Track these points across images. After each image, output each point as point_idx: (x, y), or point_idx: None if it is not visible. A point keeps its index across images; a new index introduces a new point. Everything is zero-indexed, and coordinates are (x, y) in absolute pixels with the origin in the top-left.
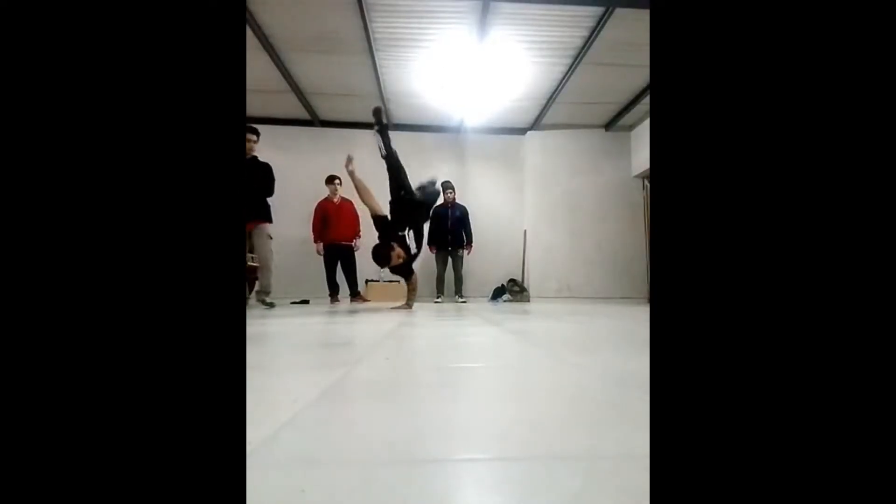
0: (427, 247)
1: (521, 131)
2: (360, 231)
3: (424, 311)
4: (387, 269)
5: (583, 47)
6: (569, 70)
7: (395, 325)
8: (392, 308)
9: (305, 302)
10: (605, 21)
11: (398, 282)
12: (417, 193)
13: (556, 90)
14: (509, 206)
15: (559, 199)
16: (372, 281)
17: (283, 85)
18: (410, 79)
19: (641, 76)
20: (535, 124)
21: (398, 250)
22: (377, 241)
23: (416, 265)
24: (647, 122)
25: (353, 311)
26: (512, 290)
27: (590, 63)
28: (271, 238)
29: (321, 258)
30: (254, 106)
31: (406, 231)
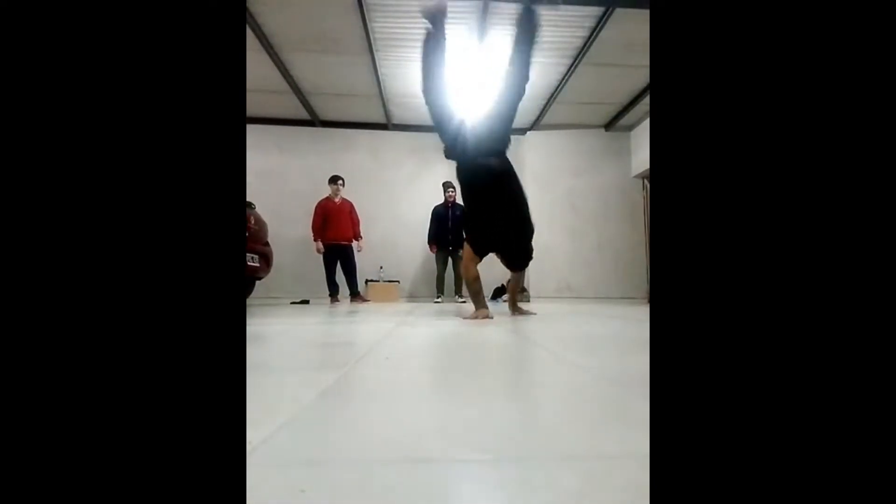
0: (427, 246)
1: (521, 131)
2: (360, 232)
3: (424, 312)
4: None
5: (583, 47)
6: (569, 70)
7: (395, 325)
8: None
9: (305, 302)
10: (605, 21)
11: (398, 282)
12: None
13: (556, 90)
14: None
15: (559, 199)
16: (372, 281)
17: (283, 85)
18: (410, 79)
19: (641, 76)
20: (535, 124)
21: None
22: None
23: (416, 265)
24: (647, 122)
25: (353, 312)
26: None
27: (590, 63)
28: None
29: (321, 259)
30: (254, 106)
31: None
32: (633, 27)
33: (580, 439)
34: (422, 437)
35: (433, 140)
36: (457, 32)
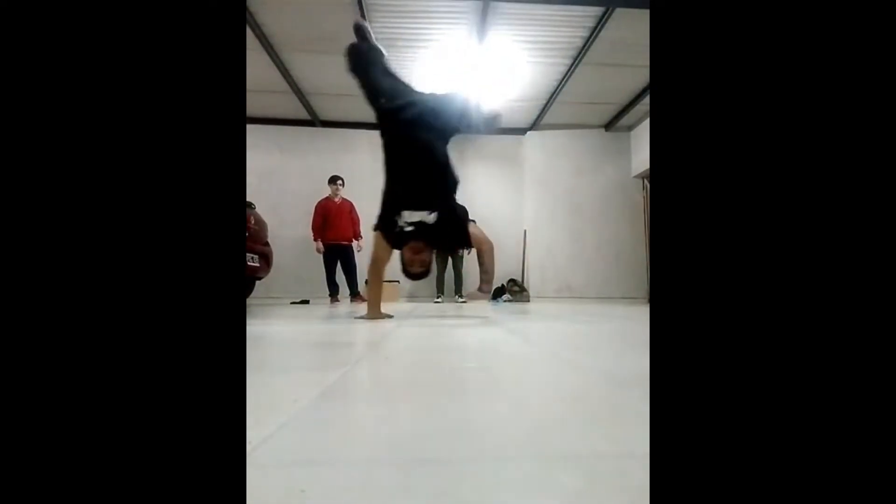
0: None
1: (521, 131)
2: (360, 232)
3: (424, 312)
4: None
5: (583, 47)
6: (569, 70)
7: (395, 325)
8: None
9: (305, 302)
10: (605, 21)
11: (398, 282)
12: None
13: (556, 90)
14: (509, 206)
15: (559, 199)
16: None
17: (283, 85)
18: (410, 79)
19: (641, 76)
20: (535, 124)
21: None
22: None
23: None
24: (647, 122)
25: (353, 312)
26: (512, 290)
27: (590, 63)
28: None
29: (321, 258)
30: (254, 106)
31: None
32: (633, 27)
33: (581, 439)
34: (422, 436)
35: None
36: (457, 32)
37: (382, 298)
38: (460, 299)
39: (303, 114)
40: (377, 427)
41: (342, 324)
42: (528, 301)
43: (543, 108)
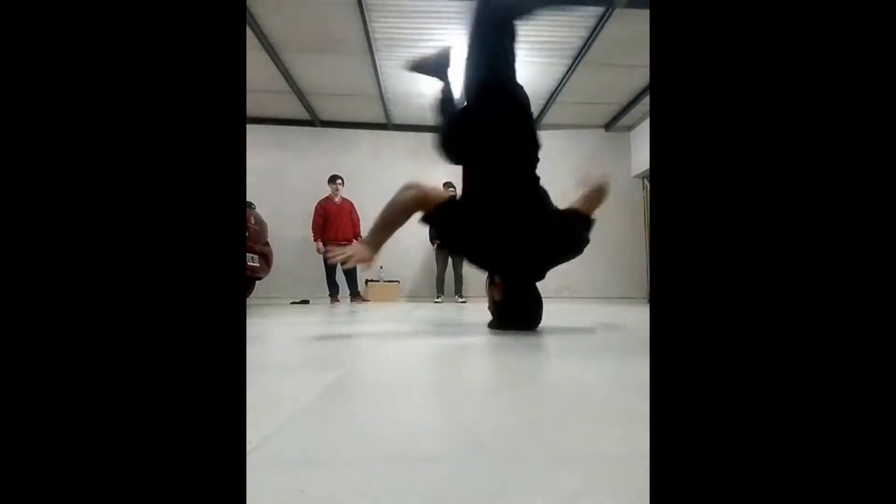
0: (430, 243)
1: None
2: (360, 232)
3: (424, 312)
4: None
5: (583, 47)
6: (569, 70)
7: (395, 325)
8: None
9: (305, 302)
10: (605, 21)
11: (398, 282)
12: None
13: (556, 90)
14: None
15: (559, 199)
16: (372, 281)
17: (283, 85)
18: (410, 79)
19: (641, 76)
20: (535, 124)
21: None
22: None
23: (416, 265)
24: (647, 122)
25: (353, 312)
26: None
27: (590, 63)
28: None
29: (321, 258)
30: (254, 106)
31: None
32: (633, 27)
33: (581, 439)
34: (422, 436)
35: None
36: (457, 32)
37: (383, 299)
38: (460, 299)
39: (303, 114)
40: (377, 427)
41: (342, 324)
42: None
43: (543, 108)
